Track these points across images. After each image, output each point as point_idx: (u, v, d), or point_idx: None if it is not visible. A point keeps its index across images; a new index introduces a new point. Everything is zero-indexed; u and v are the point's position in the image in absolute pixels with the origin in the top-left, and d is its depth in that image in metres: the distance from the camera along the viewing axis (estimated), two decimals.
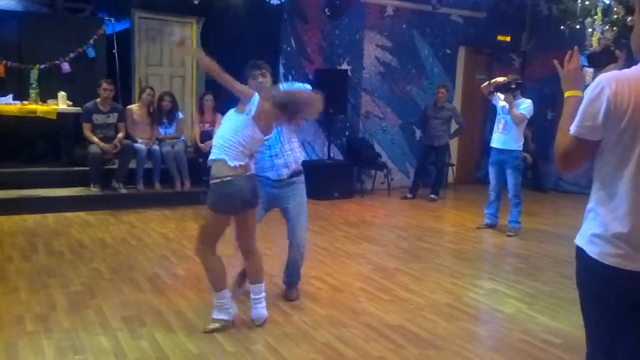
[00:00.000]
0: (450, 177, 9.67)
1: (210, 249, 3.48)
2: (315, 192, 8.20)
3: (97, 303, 3.89)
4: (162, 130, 7.33)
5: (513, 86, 6.16)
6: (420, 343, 3.50)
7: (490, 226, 6.72)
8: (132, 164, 7.05)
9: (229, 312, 3.55)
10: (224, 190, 3.34)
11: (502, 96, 6.32)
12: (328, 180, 8.27)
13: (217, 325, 3.51)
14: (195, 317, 3.75)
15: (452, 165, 9.59)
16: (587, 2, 5.78)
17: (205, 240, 3.47)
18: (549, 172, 10.06)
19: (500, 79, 6.30)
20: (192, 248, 5.20)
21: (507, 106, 6.25)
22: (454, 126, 8.81)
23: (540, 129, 9.72)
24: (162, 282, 4.36)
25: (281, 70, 8.41)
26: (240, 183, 3.35)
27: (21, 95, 7.21)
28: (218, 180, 3.35)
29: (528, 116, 6.26)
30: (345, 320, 3.80)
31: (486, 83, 6.51)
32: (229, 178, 3.32)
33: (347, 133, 8.96)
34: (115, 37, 8.02)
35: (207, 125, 7.48)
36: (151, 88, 7.38)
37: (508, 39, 10.02)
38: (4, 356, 3.08)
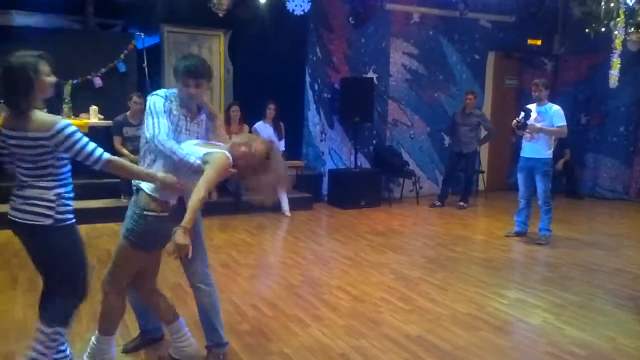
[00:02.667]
0: (481, 184, 9.51)
1: (119, 286, 2.97)
2: (342, 200, 8.23)
3: None
4: None
5: (524, 116, 6.10)
6: (440, 354, 3.43)
7: (520, 234, 6.57)
8: None
9: None
10: (159, 226, 2.81)
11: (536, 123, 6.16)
12: (355, 189, 8.25)
13: None
14: None
15: (483, 172, 9.43)
16: (611, 5, 5.62)
17: (116, 275, 2.96)
18: (585, 177, 9.81)
19: (515, 123, 6.20)
20: (216, 259, 5.28)
21: (540, 124, 6.11)
22: (483, 133, 8.68)
23: (575, 133, 9.46)
24: (183, 292, 4.39)
25: (307, 79, 8.45)
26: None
27: (54, 109, 7.42)
28: (154, 214, 2.84)
29: (565, 123, 6.13)
30: (364, 331, 3.76)
31: (511, 133, 6.44)
32: (166, 214, 2.84)
33: (374, 141, 8.93)
34: (145, 52, 8.20)
35: (233, 136, 7.53)
36: None
37: (539, 42, 9.83)
38: None
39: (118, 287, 2.95)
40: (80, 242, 2.85)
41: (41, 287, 2.94)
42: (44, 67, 2.66)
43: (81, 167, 2.88)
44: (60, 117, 2.73)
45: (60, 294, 2.82)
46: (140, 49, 8.19)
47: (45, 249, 2.76)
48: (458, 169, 8.63)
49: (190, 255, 2.65)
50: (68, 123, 2.67)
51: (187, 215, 2.63)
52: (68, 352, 2.98)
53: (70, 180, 2.79)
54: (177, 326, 3.14)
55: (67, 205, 2.75)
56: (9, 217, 2.72)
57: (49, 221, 2.66)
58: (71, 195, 2.79)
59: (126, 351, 3.36)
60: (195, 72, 2.93)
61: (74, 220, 2.80)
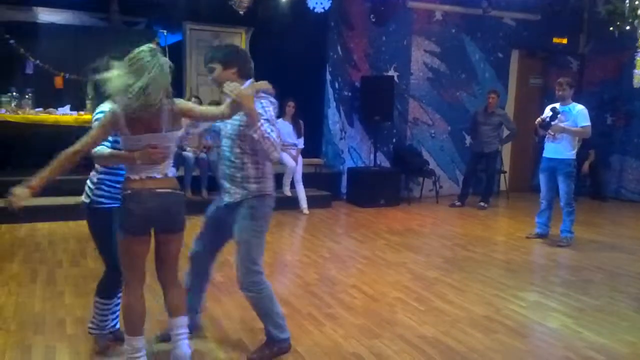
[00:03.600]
0: (503, 185, 9.39)
1: (132, 282, 2.90)
2: (361, 199, 8.19)
3: None
4: (209, 138, 7.48)
5: (550, 116, 5.99)
6: (454, 357, 3.39)
7: (541, 236, 6.47)
8: (180, 172, 7.21)
9: None
10: (126, 206, 2.78)
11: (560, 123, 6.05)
12: (374, 188, 8.21)
13: None
14: (227, 322, 3.79)
15: (505, 172, 9.31)
16: (636, 2, 5.47)
17: (126, 271, 2.92)
18: (609, 179, 9.62)
19: (539, 120, 6.11)
20: (232, 254, 5.28)
21: (564, 124, 6.00)
22: (506, 132, 8.56)
23: (600, 134, 9.29)
24: None
25: (328, 77, 8.44)
26: (145, 198, 2.77)
27: (78, 106, 7.53)
28: (125, 193, 2.80)
29: (589, 123, 6.02)
30: (378, 331, 3.74)
31: (534, 133, 6.43)
32: (128, 192, 2.78)
33: (394, 140, 8.87)
34: (167, 49, 8.27)
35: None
36: (197, 97, 7.55)
37: (564, 41, 9.66)
38: (43, 358, 3.20)
39: (132, 285, 2.90)
40: (109, 227, 2.96)
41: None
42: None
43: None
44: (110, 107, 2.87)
45: (105, 269, 3.20)
46: (163, 46, 8.25)
47: (88, 226, 3.11)
48: (479, 169, 8.53)
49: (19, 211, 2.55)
50: (101, 112, 2.91)
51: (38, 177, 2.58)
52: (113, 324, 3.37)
53: (120, 172, 2.93)
54: (176, 322, 3.04)
55: (106, 190, 2.99)
56: None
57: (87, 200, 3.02)
58: (116, 184, 2.95)
59: (162, 340, 3.39)
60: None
61: (110, 205, 2.97)
